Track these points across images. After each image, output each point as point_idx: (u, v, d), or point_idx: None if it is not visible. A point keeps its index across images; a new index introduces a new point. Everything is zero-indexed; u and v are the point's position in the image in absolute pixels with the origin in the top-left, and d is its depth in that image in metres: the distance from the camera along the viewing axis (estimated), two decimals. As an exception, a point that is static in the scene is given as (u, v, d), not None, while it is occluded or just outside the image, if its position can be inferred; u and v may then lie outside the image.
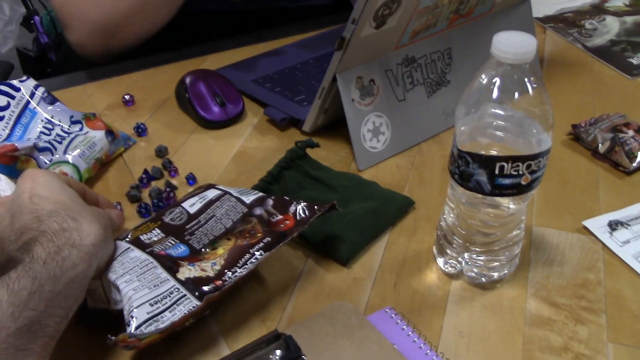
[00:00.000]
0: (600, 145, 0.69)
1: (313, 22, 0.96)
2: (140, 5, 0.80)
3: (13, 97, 0.67)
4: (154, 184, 0.66)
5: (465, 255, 0.53)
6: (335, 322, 0.49)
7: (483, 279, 0.54)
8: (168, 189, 0.63)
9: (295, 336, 0.45)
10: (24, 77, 0.68)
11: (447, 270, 0.55)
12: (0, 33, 2.01)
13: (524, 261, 0.56)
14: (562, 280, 0.55)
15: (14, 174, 0.61)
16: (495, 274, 0.54)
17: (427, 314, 0.52)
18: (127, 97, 0.78)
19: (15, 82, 0.68)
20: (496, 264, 0.53)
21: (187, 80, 0.76)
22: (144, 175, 0.66)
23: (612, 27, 0.95)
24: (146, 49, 0.88)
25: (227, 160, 0.69)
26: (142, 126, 0.73)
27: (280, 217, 0.54)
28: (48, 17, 1.82)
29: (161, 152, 0.70)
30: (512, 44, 0.45)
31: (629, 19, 0.97)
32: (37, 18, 1.91)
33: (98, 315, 0.50)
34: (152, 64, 0.86)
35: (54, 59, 1.91)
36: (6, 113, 0.66)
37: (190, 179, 0.66)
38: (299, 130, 0.73)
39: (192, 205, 0.55)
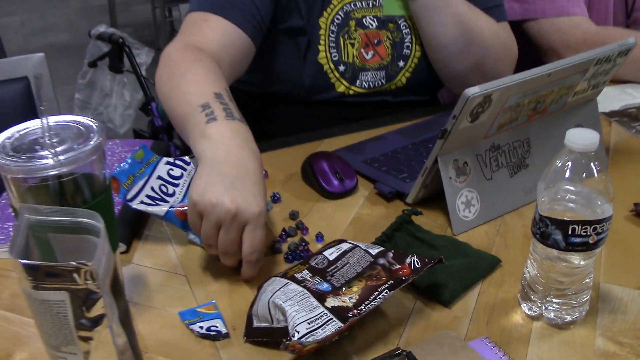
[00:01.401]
0: (658, 220, 0.83)
1: (409, 113, 1.15)
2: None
3: (185, 169, 0.87)
4: (290, 240, 0.84)
5: (545, 300, 0.68)
6: (443, 345, 0.64)
7: (559, 321, 0.68)
8: (303, 244, 0.81)
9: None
10: (193, 155, 0.88)
11: (529, 313, 0.70)
12: (121, 116, 2.30)
13: (593, 310, 0.70)
14: (625, 325, 0.68)
15: (185, 227, 0.80)
16: (569, 317, 0.68)
17: (515, 346, 0.66)
18: (263, 172, 0.97)
19: (186, 158, 0.88)
20: (569, 309, 0.67)
21: (312, 159, 0.95)
22: (282, 233, 0.84)
23: (671, 121, 1.09)
24: (275, 133, 1.08)
25: (346, 224, 0.87)
26: (277, 195, 0.92)
27: (398, 266, 0.70)
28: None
29: (294, 215, 0.88)
30: (581, 137, 0.61)
31: (687, 115, 1.11)
32: (153, 104, 2.20)
33: (262, 332, 0.67)
34: (280, 145, 1.06)
35: (165, 140, 2.19)
36: (181, 181, 0.86)
37: (319, 236, 0.83)
38: (403, 202, 0.90)
39: (331, 254, 0.72)
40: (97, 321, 0.50)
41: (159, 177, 0.84)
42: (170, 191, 0.84)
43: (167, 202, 0.82)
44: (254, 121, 0.92)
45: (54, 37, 5.05)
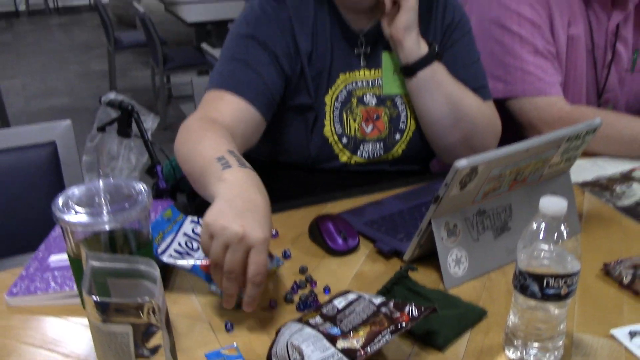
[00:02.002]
0: (624, 278, 0.94)
1: (404, 181, 1.27)
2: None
3: (208, 228, 0.98)
4: (300, 291, 0.94)
5: (525, 345, 0.78)
6: (438, 382, 0.74)
7: (538, 363, 0.78)
8: (312, 295, 0.91)
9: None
10: (214, 215, 0.99)
11: (512, 356, 0.80)
12: (126, 178, 2.42)
13: (567, 354, 0.80)
14: (595, 368, 0.78)
15: (208, 279, 0.90)
16: (546, 359, 0.78)
17: (499, 384, 0.76)
18: (273, 231, 1.08)
19: (209, 218, 0.99)
20: (546, 352, 0.78)
21: (319, 220, 1.06)
22: (294, 285, 0.94)
23: (637, 191, 1.22)
24: (282, 196, 1.20)
25: (350, 278, 0.97)
26: (287, 251, 1.03)
27: (398, 314, 0.80)
28: (169, 166, 2.18)
29: (303, 270, 0.99)
30: (552, 204, 0.73)
31: (652, 186, 1.25)
32: (159, 167, 2.32)
33: (280, 370, 0.77)
34: (288, 208, 1.18)
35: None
36: (204, 238, 0.96)
37: (326, 289, 0.94)
38: (400, 259, 1.01)
39: (340, 303, 0.83)
40: (154, 351, 0.60)
41: (185, 234, 0.95)
42: (195, 246, 0.95)
43: (192, 256, 0.93)
44: (264, 186, 1.03)
45: (55, 100, 5.21)
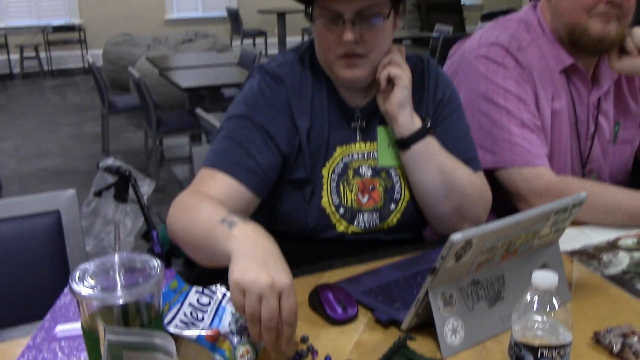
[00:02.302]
0: (614, 346, 0.98)
1: (399, 249, 1.32)
2: (191, 250, 1.09)
3: (212, 297, 1.01)
4: (302, 360, 0.97)
5: (522, 414, 0.81)
6: None
7: None
8: (314, 364, 0.94)
9: None
10: (219, 285, 1.03)
11: None
12: (121, 243, 2.44)
13: (562, 423, 0.83)
14: None
15: (213, 349, 0.93)
16: None
17: None
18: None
19: (213, 288, 1.02)
20: (543, 421, 0.81)
21: (319, 290, 1.10)
22: (296, 355, 0.97)
23: (623, 260, 1.27)
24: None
25: (350, 347, 1.00)
26: (288, 321, 1.06)
27: (399, 383, 0.83)
28: (165, 231, 2.22)
29: (304, 340, 1.01)
30: (544, 278, 0.77)
31: (637, 254, 1.30)
32: (154, 232, 2.35)
33: None
34: (288, 277, 1.21)
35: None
36: (209, 308, 0.99)
37: (327, 358, 0.97)
38: (398, 328, 1.04)
39: (342, 372, 0.86)
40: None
41: (190, 304, 0.98)
42: (200, 317, 0.98)
43: (197, 326, 0.96)
44: None
45: (47, 162, 5.25)
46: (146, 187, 2.52)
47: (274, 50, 9.76)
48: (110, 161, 2.42)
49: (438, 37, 6.39)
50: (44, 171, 5.03)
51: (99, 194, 2.46)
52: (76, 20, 8.98)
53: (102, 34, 8.84)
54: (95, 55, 6.78)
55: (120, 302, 0.75)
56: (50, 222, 1.40)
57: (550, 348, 0.76)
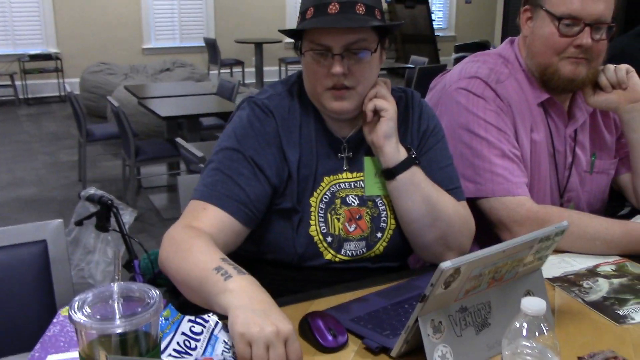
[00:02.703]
0: (598, 371, 1.01)
1: (385, 277, 1.34)
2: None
3: (204, 326, 1.02)
4: (294, 388, 0.97)
5: None
6: None
7: None
8: (307, 392, 0.95)
9: None
10: (210, 314, 1.03)
11: None
12: (102, 273, 2.43)
13: None
14: None
15: (206, 377, 0.94)
16: None
17: None
18: None
19: (205, 316, 1.03)
20: None
21: (309, 318, 1.11)
22: (288, 382, 0.98)
23: (603, 286, 1.31)
24: (271, 292, 1.24)
25: (341, 374, 1.02)
26: (279, 349, 1.07)
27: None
28: (147, 260, 2.21)
29: (296, 367, 1.02)
30: (532, 304, 0.80)
31: (616, 281, 1.34)
32: (136, 262, 2.34)
33: None
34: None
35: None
36: (201, 337, 1.00)
37: (319, 386, 0.98)
38: (388, 355, 1.06)
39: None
40: None
41: (183, 333, 0.99)
42: (193, 345, 0.99)
43: (190, 355, 0.97)
44: None
45: (23, 191, 5.19)
46: (127, 217, 2.52)
47: (251, 80, 9.82)
48: (92, 190, 2.41)
49: (413, 67, 6.50)
50: (19, 200, 4.97)
51: (79, 223, 2.45)
52: (53, 49, 8.95)
53: (79, 62, 8.82)
54: (71, 83, 6.74)
55: (119, 331, 0.76)
56: (37, 251, 1.39)
57: (539, 372, 0.79)
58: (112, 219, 2.44)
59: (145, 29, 9.54)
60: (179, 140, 3.52)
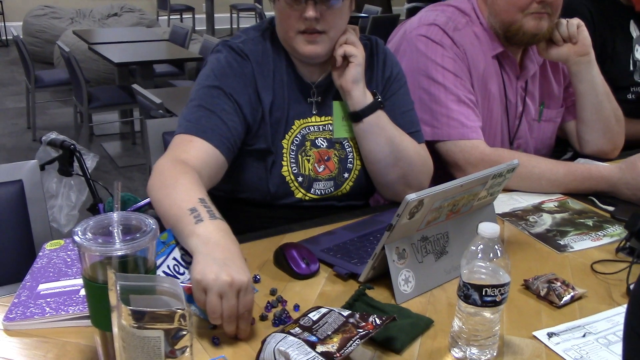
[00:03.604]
0: (541, 291, 1.14)
1: (350, 214, 1.44)
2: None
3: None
4: (274, 310, 1.07)
5: (467, 345, 0.95)
6: (401, 377, 0.90)
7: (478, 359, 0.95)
8: (285, 312, 1.05)
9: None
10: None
11: (457, 355, 0.97)
12: (66, 217, 2.46)
13: (500, 353, 0.98)
14: (523, 362, 0.97)
15: (190, 300, 1.02)
16: (483, 357, 0.95)
17: (449, 377, 0.93)
18: (258, 277, 1.19)
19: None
20: (484, 349, 0.95)
21: (284, 248, 1.21)
22: (267, 304, 1.08)
23: (547, 220, 1.45)
24: (243, 229, 1.33)
25: (314, 297, 1.12)
26: (257, 276, 1.16)
27: (364, 323, 0.95)
28: (111, 204, 2.26)
29: (274, 292, 1.12)
30: (488, 228, 0.91)
31: (558, 216, 1.47)
32: (100, 205, 2.39)
33: (268, 373, 0.90)
34: (252, 239, 1.31)
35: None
36: (190, 266, 1.08)
37: (296, 307, 1.08)
38: (356, 280, 1.17)
39: (314, 316, 0.97)
40: (181, 351, 0.72)
41: (174, 258, 1.07)
42: (182, 271, 1.07)
43: (178, 278, 1.05)
44: (226, 220, 1.14)
45: (-30, 138, 5.07)
46: (90, 161, 2.54)
47: (202, 27, 9.65)
48: (53, 135, 2.42)
49: (367, 17, 6.54)
50: (-34, 147, 4.86)
51: (42, 167, 2.46)
52: (-8, -9, 8.58)
53: (20, 5, 8.49)
54: (14, 27, 6.51)
55: (120, 253, 0.83)
56: (14, 190, 1.44)
57: (492, 287, 0.90)
58: (75, 164, 2.47)
59: (90, -29, 9.22)
60: (135, 86, 3.51)
